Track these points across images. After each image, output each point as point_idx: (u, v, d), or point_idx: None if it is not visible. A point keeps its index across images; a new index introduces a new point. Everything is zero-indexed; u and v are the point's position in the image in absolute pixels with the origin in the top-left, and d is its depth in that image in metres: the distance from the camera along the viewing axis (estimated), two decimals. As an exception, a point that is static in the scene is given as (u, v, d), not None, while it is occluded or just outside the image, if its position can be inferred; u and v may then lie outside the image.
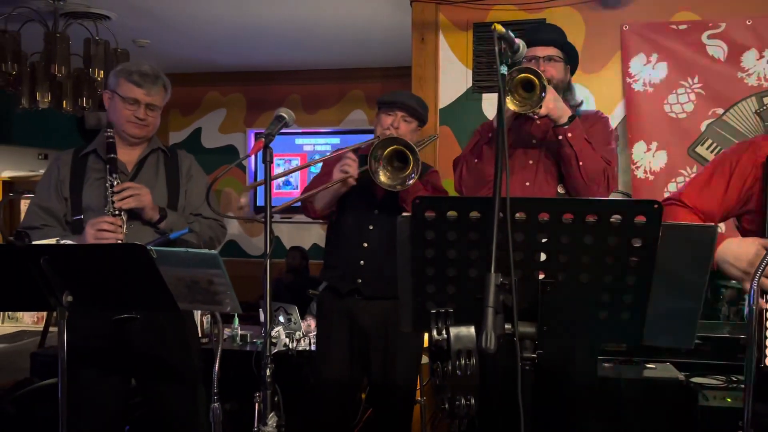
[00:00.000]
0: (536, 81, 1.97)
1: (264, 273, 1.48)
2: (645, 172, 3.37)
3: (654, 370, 2.93)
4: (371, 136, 2.55)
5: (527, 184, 2.19)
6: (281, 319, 3.77)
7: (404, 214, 1.40)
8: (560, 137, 2.09)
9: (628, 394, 2.83)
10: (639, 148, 3.37)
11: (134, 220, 2.13)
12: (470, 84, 3.64)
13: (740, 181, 1.63)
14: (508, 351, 1.32)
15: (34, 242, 1.67)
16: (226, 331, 3.72)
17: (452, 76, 3.67)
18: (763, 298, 1.47)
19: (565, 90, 2.26)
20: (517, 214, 1.35)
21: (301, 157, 5.92)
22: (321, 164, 2.64)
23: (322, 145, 5.95)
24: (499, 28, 1.31)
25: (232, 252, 5.81)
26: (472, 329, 1.16)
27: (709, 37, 3.30)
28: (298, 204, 2.62)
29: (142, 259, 1.55)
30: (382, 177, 2.28)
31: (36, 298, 1.64)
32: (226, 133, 6.14)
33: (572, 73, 2.33)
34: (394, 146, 2.25)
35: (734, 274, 1.53)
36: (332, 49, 5.16)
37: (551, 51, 2.22)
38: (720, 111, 3.29)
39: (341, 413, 2.54)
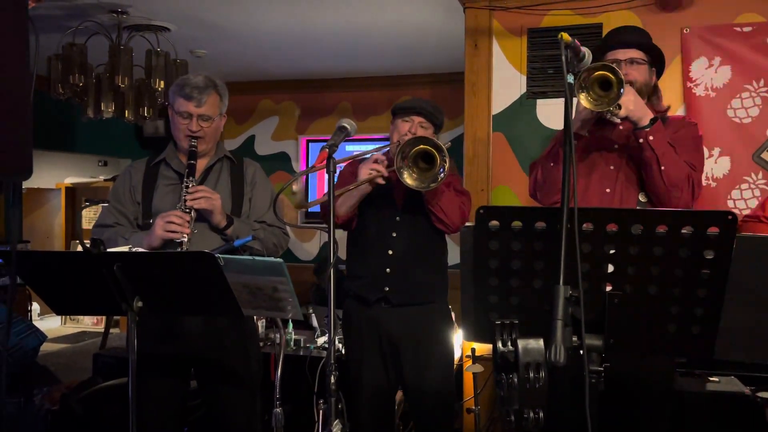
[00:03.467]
0: (613, 78, 1.91)
1: (327, 281, 1.49)
2: (707, 178, 3.27)
3: (718, 383, 2.83)
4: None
5: (608, 191, 2.12)
6: (336, 326, 3.80)
7: (468, 224, 1.40)
8: (641, 140, 2.02)
9: (692, 408, 2.75)
10: (701, 155, 3.27)
11: (201, 223, 2.20)
12: (524, 90, 3.60)
13: None
14: (576, 364, 1.30)
15: (108, 249, 1.75)
16: (278, 336, 3.78)
17: (505, 83, 3.64)
18: None
19: (650, 94, 2.19)
20: (585, 225, 1.34)
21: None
22: (338, 174, 2.64)
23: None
24: (566, 36, 1.31)
25: (282, 256, 5.90)
26: (541, 342, 1.15)
27: (776, 39, 3.18)
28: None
29: (210, 266, 1.60)
30: (409, 179, 2.27)
31: (108, 303, 1.71)
32: (279, 140, 6.25)
33: (659, 76, 2.26)
34: (421, 146, 2.24)
35: None
36: (383, 56, 5.19)
37: (634, 53, 2.15)
38: (789, 115, 3.17)
39: (383, 418, 2.54)
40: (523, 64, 3.60)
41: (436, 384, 2.49)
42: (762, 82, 3.21)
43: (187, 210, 2.14)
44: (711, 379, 2.85)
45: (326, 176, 1.62)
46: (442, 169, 2.24)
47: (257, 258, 1.68)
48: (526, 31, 3.57)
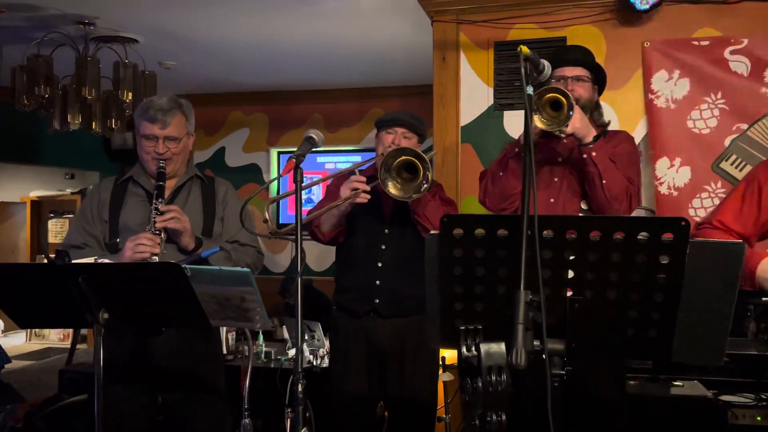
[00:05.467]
0: (564, 100, 2.02)
1: (295, 290, 1.51)
2: (669, 187, 3.36)
3: (681, 387, 2.90)
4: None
5: (551, 200, 2.23)
6: (305, 336, 3.80)
7: (432, 232, 1.43)
8: (585, 156, 2.14)
9: (656, 412, 2.80)
10: (662, 164, 3.37)
11: (170, 244, 2.19)
12: (491, 102, 3.67)
13: None
14: (537, 368, 1.33)
15: (73, 261, 1.73)
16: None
17: (473, 95, 3.70)
18: None
19: (593, 110, 2.30)
20: (545, 232, 1.37)
21: (323, 175, 5.98)
22: (325, 189, 2.67)
23: (344, 163, 6.01)
24: (525, 49, 1.35)
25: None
26: (503, 346, 1.18)
27: (732, 52, 3.29)
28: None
29: (177, 277, 1.59)
30: (393, 190, 2.30)
31: (74, 315, 1.69)
32: (250, 152, 6.24)
33: (600, 93, 2.38)
34: (404, 157, 2.28)
35: None
36: (353, 68, 5.23)
37: (579, 71, 2.27)
38: (744, 126, 3.28)
39: (364, 429, 2.55)
40: (490, 77, 3.67)
41: (419, 393, 2.51)
42: (719, 94, 3.32)
43: (157, 232, 2.12)
44: (675, 383, 2.91)
45: (294, 185, 1.62)
46: (425, 179, 2.28)
47: (224, 268, 1.68)
48: (493, 45, 3.65)
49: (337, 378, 2.56)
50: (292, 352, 3.60)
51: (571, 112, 2.02)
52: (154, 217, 2.11)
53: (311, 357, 3.52)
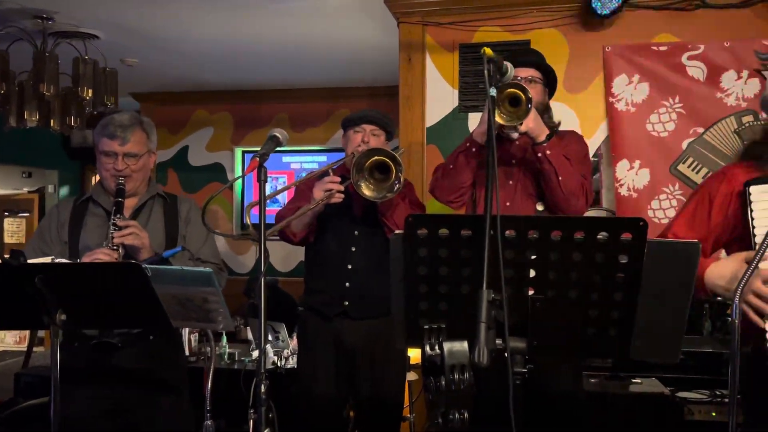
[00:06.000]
0: (522, 96, 2.05)
1: (258, 291, 1.49)
2: (628, 189, 3.44)
3: (640, 385, 2.97)
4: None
5: (508, 203, 2.26)
6: (269, 337, 3.77)
7: (397, 231, 1.43)
8: (540, 154, 2.17)
9: (615, 409, 2.87)
10: (622, 166, 3.44)
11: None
12: (456, 104, 3.70)
13: (721, 211, 1.68)
14: (500, 366, 1.35)
15: (29, 261, 1.68)
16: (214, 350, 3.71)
17: (439, 96, 3.73)
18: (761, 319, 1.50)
19: (543, 111, 2.34)
20: (507, 232, 1.39)
21: (289, 175, 5.94)
22: (295, 189, 2.65)
23: (310, 163, 5.98)
24: (488, 51, 1.36)
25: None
26: (465, 344, 1.19)
27: (689, 58, 3.39)
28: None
29: (137, 277, 1.56)
30: (366, 190, 2.31)
31: (30, 317, 1.64)
32: (213, 151, 6.15)
33: (550, 95, 2.42)
34: (376, 157, 2.28)
35: (722, 293, 1.58)
36: (320, 68, 5.21)
37: (532, 73, 2.30)
38: (700, 130, 3.37)
39: (329, 430, 2.54)
40: (455, 78, 3.70)
41: (388, 394, 2.51)
42: (677, 98, 3.40)
43: (115, 247, 2.08)
44: (634, 381, 2.98)
45: (258, 184, 1.61)
46: (397, 180, 2.28)
47: (186, 268, 1.66)
48: (458, 47, 3.68)
49: (305, 379, 2.55)
50: (256, 353, 3.56)
51: (529, 106, 2.05)
52: (112, 233, 2.07)
53: (276, 358, 3.50)
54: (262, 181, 1.58)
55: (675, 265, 1.36)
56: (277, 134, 1.73)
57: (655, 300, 1.39)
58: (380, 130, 2.51)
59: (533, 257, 1.40)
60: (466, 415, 1.16)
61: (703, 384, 3.01)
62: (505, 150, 2.29)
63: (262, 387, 1.43)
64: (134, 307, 1.66)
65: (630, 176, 3.44)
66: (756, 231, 1.52)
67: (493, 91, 1.37)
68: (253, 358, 3.58)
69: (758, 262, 1.38)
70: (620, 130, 3.46)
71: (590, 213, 3.07)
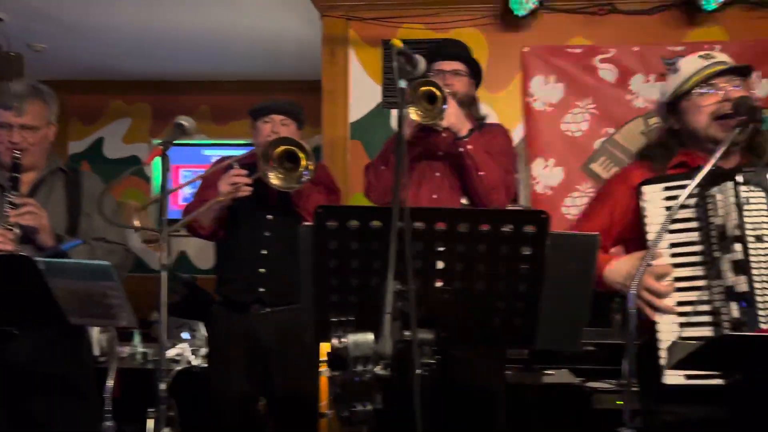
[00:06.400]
0: (438, 93, 2.06)
1: (160, 286, 1.43)
2: (544, 187, 3.55)
3: (552, 376, 3.07)
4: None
5: (434, 196, 2.26)
6: (186, 335, 3.66)
7: (306, 223, 1.41)
8: (461, 149, 2.18)
9: (529, 399, 2.95)
10: (538, 164, 3.54)
11: (26, 245, 2.00)
12: (381, 99, 3.70)
13: (619, 209, 1.75)
14: (411, 357, 1.35)
15: None
16: (126, 349, 3.57)
17: (363, 92, 3.72)
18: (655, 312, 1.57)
19: (470, 104, 2.36)
20: (416, 224, 1.39)
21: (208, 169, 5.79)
22: (203, 180, 2.58)
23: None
24: (398, 43, 1.36)
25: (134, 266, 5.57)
26: (370, 336, 1.18)
27: (601, 61, 3.53)
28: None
29: (28, 271, 1.47)
30: (276, 180, 2.27)
31: None
32: (131, 143, 5.91)
33: (477, 87, 2.43)
34: (284, 146, 2.24)
35: (620, 289, 1.64)
36: (242, 60, 5.11)
37: (456, 65, 2.31)
38: (611, 130, 3.52)
39: (242, 428, 2.49)
40: (379, 74, 3.70)
41: (304, 390, 2.47)
42: (590, 100, 3.54)
43: (10, 227, 1.94)
44: (546, 372, 3.08)
45: (162, 173, 1.54)
46: (306, 169, 2.24)
47: (82, 261, 1.57)
48: (382, 43, 3.68)
49: (217, 376, 2.48)
50: (170, 352, 3.45)
51: (444, 105, 2.07)
52: (7, 211, 1.93)
53: (192, 356, 3.40)
54: (165, 170, 1.51)
55: (575, 256, 1.40)
56: (183, 122, 1.67)
57: (558, 290, 1.43)
58: (289, 119, 2.47)
59: (441, 249, 1.41)
60: (370, 407, 1.15)
61: (611, 374, 3.14)
62: (432, 143, 2.29)
63: (162, 385, 1.37)
64: (26, 303, 1.56)
65: (545, 174, 3.55)
66: (648, 229, 1.59)
67: (403, 84, 1.37)
68: (168, 356, 3.46)
69: (650, 260, 1.44)
70: (536, 129, 3.57)
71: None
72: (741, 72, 1.69)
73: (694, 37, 3.46)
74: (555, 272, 1.40)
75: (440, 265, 1.43)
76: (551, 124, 3.55)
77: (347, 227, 1.39)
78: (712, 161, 1.46)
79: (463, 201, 2.29)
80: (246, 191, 2.31)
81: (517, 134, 3.58)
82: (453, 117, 2.14)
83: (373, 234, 1.40)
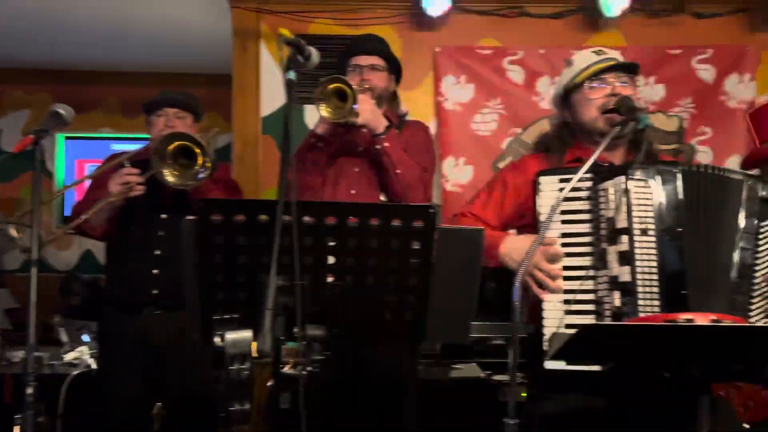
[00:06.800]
0: (348, 91, 2.04)
1: (30, 284, 1.34)
2: (454, 185, 3.60)
3: (461, 370, 3.12)
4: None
5: (353, 192, 2.23)
6: (86, 338, 3.49)
7: (189, 217, 1.36)
8: (378, 146, 2.16)
9: (437, 393, 2.98)
10: (449, 163, 3.60)
11: None
12: (293, 95, 3.65)
13: (513, 197, 1.79)
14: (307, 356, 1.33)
15: None
16: (20, 354, 3.36)
17: (275, 86, 3.65)
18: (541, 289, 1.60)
19: (390, 99, 2.35)
20: (306, 218, 1.37)
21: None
22: (95, 178, 2.47)
23: (143, 152, 5.63)
24: (286, 32, 1.33)
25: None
26: (249, 333, 1.15)
27: (509, 62, 3.62)
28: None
29: None
30: (170, 177, 2.18)
31: None
32: (31, 136, 5.57)
33: (397, 83, 2.42)
34: (178, 142, 2.16)
35: (512, 265, 1.66)
36: (153, 51, 4.91)
37: (374, 60, 2.29)
38: (518, 130, 3.62)
39: None
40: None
41: (201, 392, 2.39)
42: (499, 100, 3.62)
43: None
44: (455, 366, 3.13)
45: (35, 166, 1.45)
46: (203, 167, 2.16)
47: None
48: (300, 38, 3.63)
49: (109, 380, 2.37)
50: (68, 356, 3.28)
51: (354, 105, 2.05)
52: None
53: (92, 360, 3.23)
54: (37, 161, 1.42)
55: (462, 250, 1.42)
56: (60, 110, 1.58)
57: (447, 283, 1.44)
58: (185, 112, 2.39)
59: (332, 244, 1.40)
60: (247, 406, 1.12)
61: (519, 368, 3.22)
62: (352, 138, 2.26)
63: (30, 389, 1.29)
64: None
65: (455, 172, 3.60)
66: (541, 217, 1.63)
67: (291, 75, 1.34)
68: (65, 361, 3.28)
69: (540, 240, 1.48)
70: (447, 128, 3.62)
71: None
72: (629, 69, 1.77)
73: (595, 41, 3.59)
74: (443, 265, 1.42)
75: (331, 260, 1.41)
76: (461, 124, 3.61)
77: (233, 221, 1.36)
78: (595, 154, 1.52)
79: (382, 197, 2.27)
80: (139, 190, 2.21)
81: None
82: (368, 113, 2.12)
83: (261, 228, 1.37)
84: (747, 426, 1.99)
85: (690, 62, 3.62)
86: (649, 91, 3.59)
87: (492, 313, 3.02)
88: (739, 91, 3.58)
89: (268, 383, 2.82)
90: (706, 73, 3.61)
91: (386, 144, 2.17)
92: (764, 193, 1.58)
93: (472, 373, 3.09)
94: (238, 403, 1.12)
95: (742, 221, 1.56)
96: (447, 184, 3.58)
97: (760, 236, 1.57)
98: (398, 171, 2.17)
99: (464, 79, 3.62)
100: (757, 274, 1.56)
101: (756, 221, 1.57)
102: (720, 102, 3.61)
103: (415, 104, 3.62)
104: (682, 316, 1.28)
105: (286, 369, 2.55)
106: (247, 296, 1.43)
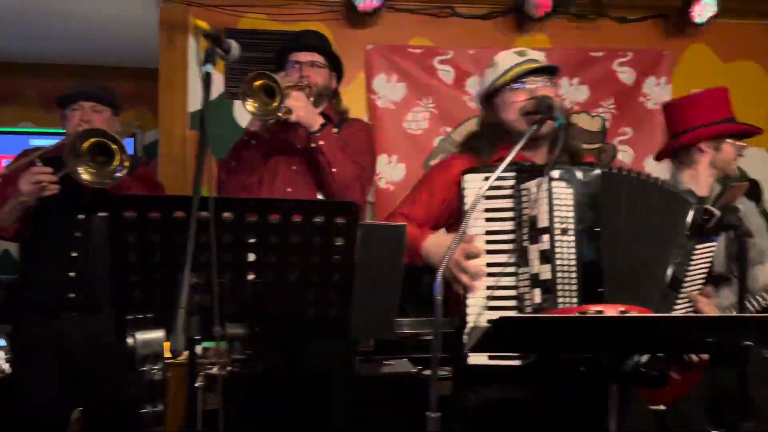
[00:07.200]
0: (276, 87, 2.01)
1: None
2: (387, 183, 3.62)
3: (392, 366, 3.13)
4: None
5: (289, 190, 2.19)
6: (2, 342, 3.31)
7: (101, 214, 1.31)
8: (313, 144, 2.13)
9: (369, 389, 2.99)
10: (382, 161, 3.60)
11: None
12: (222, 90, 3.58)
13: (440, 196, 1.81)
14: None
15: None
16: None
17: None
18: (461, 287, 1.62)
19: (332, 97, 2.32)
20: (225, 214, 1.34)
21: (39, 160, 5.29)
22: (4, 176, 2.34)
23: (66, 148, 5.39)
24: (202, 24, 1.30)
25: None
26: (162, 333, 1.12)
27: (440, 62, 3.66)
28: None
29: None
30: (86, 175, 2.08)
31: None
32: (-62, 130, 5.25)
33: (339, 80, 2.39)
34: (94, 139, 2.07)
35: (435, 263, 1.67)
36: (75, 43, 4.71)
37: (315, 57, 2.26)
38: (449, 129, 3.67)
39: None
40: (221, 64, 3.57)
41: (122, 396, 2.30)
42: (430, 99, 3.66)
43: None
44: (386, 362, 3.14)
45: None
46: (121, 164, 2.08)
47: None
48: (224, 31, 3.55)
49: (24, 386, 2.26)
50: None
51: (282, 103, 2.02)
52: None
53: (7, 365, 3.07)
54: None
55: (385, 246, 1.43)
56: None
57: (370, 279, 1.45)
58: (102, 105, 2.30)
59: (253, 241, 1.38)
60: (160, 408, 1.09)
61: (449, 362, 3.26)
62: (289, 135, 2.22)
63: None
64: None
65: (388, 170, 3.62)
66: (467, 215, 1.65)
67: (208, 68, 1.31)
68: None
69: (461, 238, 1.50)
70: (381, 126, 3.62)
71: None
72: (550, 71, 1.81)
73: (522, 43, 3.68)
74: (366, 262, 1.42)
75: (252, 257, 1.39)
76: (394, 122, 3.63)
77: (147, 218, 1.31)
78: (513, 153, 1.54)
79: (320, 196, 2.22)
80: (53, 189, 2.11)
81: (361, 130, 3.63)
82: (302, 111, 2.09)
83: (177, 225, 1.33)
84: (663, 407, 2.06)
85: (611, 65, 3.76)
86: (573, 92, 3.72)
87: (429, 309, 3.05)
88: (657, 93, 3.75)
89: (196, 384, 2.75)
90: (627, 75, 3.77)
91: (321, 142, 2.14)
92: (705, 217, 1.65)
93: (403, 369, 3.11)
94: (150, 405, 1.08)
95: (678, 235, 1.63)
96: (380, 182, 3.60)
97: (694, 256, 1.65)
98: (334, 170, 2.14)
99: (396, 78, 3.64)
100: (685, 288, 1.63)
101: (691, 242, 1.64)
102: (639, 103, 3.77)
103: (347, 102, 3.59)
104: (593, 308, 1.32)
105: (215, 370, 2.50)
106: (164, 295, 1.39)
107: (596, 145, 3.76)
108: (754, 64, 3.92)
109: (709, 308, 1.67)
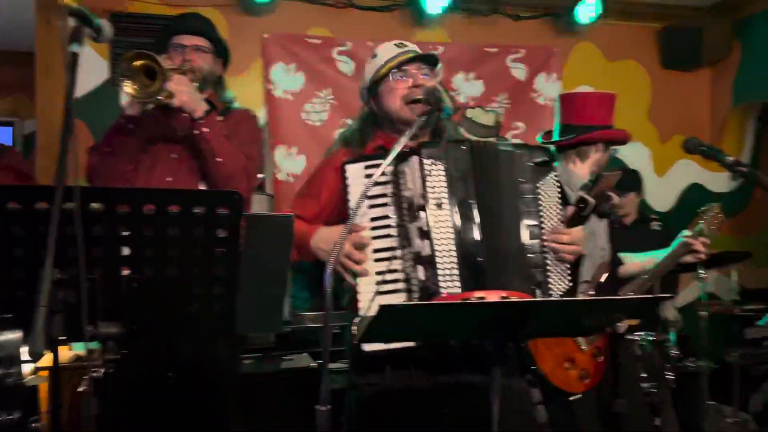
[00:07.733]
0: (157, 68, 1.90)
1: None
2: (287, 174, 3.56)
3: (291, 361, 3.09)
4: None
5: (169, 179, 2.07)
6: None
7: (-52, 206, 1.19)
8: (196, 132, 2.04)
9: (267, 386, 2.93)
10: (280, 152, 3.54)
11: None
12: (108, 76, 3.38)
13: (328, 191, 1.80)
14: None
15: None
16: None
17: (86, 67, 3.33)
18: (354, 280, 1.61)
19: (216, 83, 2.23)
20: (93, 205, 1.26)
21: None
22: None
23: (-68, 137, 4.92)
24: (68, 2, 1.20)
25: None
26: (18, 334, 1.03)
27: (339, 53, 3.64)
28: None
29: None
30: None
31: None
32: None
33: (224, 67, 2.31)
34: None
35: (324, 256, 1.65)
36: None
37: (199, 41, 2.16)
38: (349, 121, 3.63)
39: None
40: (105, 48, 3.37)
41: None
42: (330, 90, 3.63)
43: None
44: (286, 358, 3.09)
45: None
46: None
47: None
48: (109, 15, 3.35)
49: None
50: None
51: (164, 85, 1.92)
52: None
53: None
54: None
55: (271, 237, 1.39)
56: None
57: (257, 272, 1.40)
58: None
59: (126, 234, 1.30)
60: (17, 415, 1.00)
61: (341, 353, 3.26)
62: (170, 122, 2.10)
63: None
64: None
65: (288, 162, 3.56)
66: (351, 205, 1.64)
67: (75, 47, 1.21)
68: None
69: (349, 228, 1.48)
70: (278, 116, 3.56)
71: (254, 198, 3.09)
72: (430, 61, 1.84)
73: (421, 37, 3.73)
74: (252, 254, 1.37)
75: (126, 251, 1.31)
76: (292, 113, 3.57)
77: (6, 210, 1.21)
78: (403, 142, 1.55)
79: (202, 186, 2.14)
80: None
81: (259, 121, 3.54)
82: (185, 95, 1.99)
83: (40, 217, 1.23)
84: (579, 395, 2.14)
85: (505, 61, 3.88)
86: (469, 86, 3.80)
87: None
88: (548, 88, 3.91)
89: (79, 388, 2.58)
90: (520, 71, 3.90)
91: (206, 129, 2.06)
92: (536, 160, 1.70)
93: (303, 363, 3.07)
94: (5, 412, 0.99)
95: (522, 191, 1.66)
96: (279, 173, 3.53)
97: (540, 200, 1.68)
98: (219, 159, 2.05)
99: (294, 67, 3.58)
100: (545, 227, 1.66)
101: (533, 187, 1.68)
102: (531, 99, 3.92)
103: (243, 90, 3.50)
104: (477, 294, 1.35)
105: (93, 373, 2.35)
106: (26, 294, 1.28)
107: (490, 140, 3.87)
108: (635, 63, 4.18)
109: (572, 246, 1.67)
